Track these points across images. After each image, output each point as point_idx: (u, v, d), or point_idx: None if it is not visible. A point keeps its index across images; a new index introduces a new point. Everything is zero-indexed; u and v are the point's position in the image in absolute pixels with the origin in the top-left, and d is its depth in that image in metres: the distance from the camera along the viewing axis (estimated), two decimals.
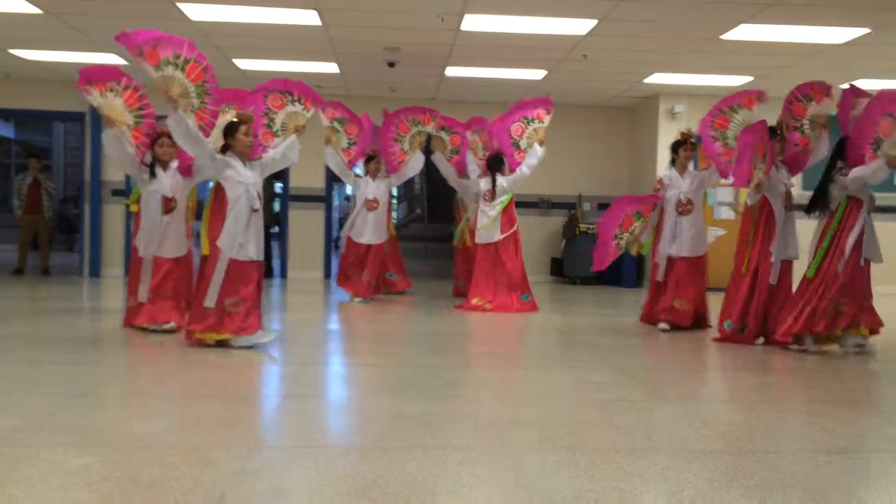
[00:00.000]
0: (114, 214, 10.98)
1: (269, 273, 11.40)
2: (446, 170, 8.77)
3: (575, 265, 11.08)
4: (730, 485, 2.77)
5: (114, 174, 10.93)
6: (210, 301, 5.22)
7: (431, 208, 20.00)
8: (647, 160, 11.05)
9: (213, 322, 5.24)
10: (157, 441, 3.17)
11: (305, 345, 5.68)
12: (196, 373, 4.71)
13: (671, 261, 6.86)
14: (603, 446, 3.22)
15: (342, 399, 4.25)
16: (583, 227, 11.05)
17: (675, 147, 7.08)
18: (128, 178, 10.99)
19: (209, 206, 5.53)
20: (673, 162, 7.12)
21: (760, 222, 6.12)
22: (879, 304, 5.93)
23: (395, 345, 5.72)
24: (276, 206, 11.91)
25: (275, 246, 12.33)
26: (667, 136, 10.73)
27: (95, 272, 10.87)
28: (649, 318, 7.01)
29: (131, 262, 6.26)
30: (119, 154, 5.88)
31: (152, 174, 5.94)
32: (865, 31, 7.19)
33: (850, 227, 5.76)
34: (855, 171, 5.71)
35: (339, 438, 3.40)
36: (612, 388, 4.45)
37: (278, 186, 12.01)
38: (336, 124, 8.25)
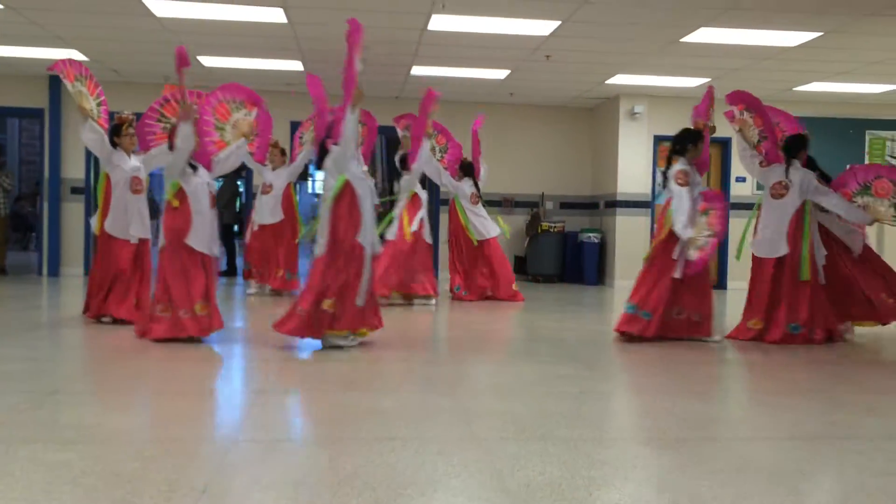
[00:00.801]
0: (73, 212, 10.83)
1: (232, 272, 11.35)
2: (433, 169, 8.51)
3: (538, 263, 11.24)
4: (695, 470, 2.89)
5: (73, 171, 10.79)
6: (361, 300, 5.25)
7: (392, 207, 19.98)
8: (608, 159, 11.25)
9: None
10: (136, 436, 3.19)
11: (279, 341, 5.70)
12: (169, 369, 4.72)
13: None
14: (572, 436, 3.33)
15: (318, 394, 4.30)
16: (545, 225, 11.21)
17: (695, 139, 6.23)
18: (90, 172, 10.86)
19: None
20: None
21: None
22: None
23: (366, 342, 5.77)
24: (238, 206, 11.86)
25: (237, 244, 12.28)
26: (627, 135, 10.97)
27: (54, 271, 10.71)
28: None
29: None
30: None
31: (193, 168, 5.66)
32: (817, 34, 7.44)
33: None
34: (836, 202, 6.16)
35: (317, 432, 3.45)
36: (580, 381, 4.58)
37: (241, 185, 11.96)
38: (79, 85, 6.69)
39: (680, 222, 5.84)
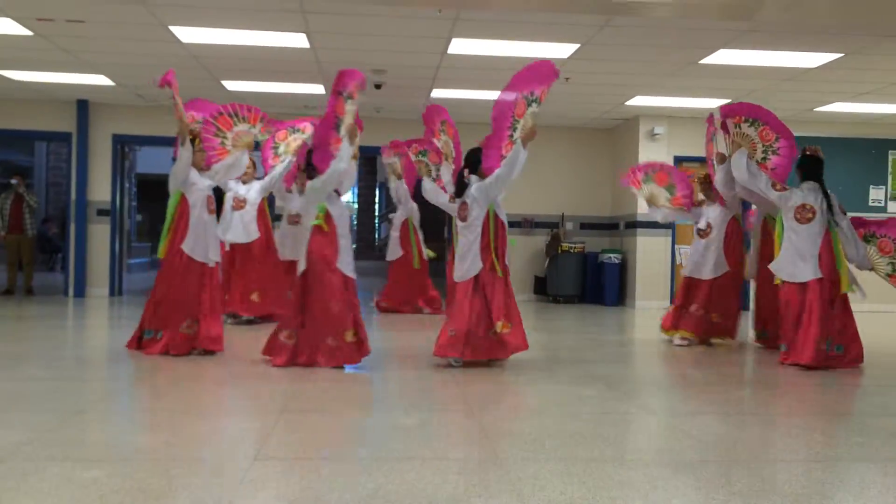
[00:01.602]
0: (99, 234, 11.00)
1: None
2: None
3: (558, 284, 11.24)
4: (715, 492, 2.89)
5: (99, 194, 10.97)
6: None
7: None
8: None
9: None
10: (161, 454, 3.25)
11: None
12: (192, 389, 4.79)
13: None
14: (593, 456, 3.34)
15: (339, 413, 4.34)
16: (565, 245, 11.22)
17: None
18: (116, 194, 11.03)
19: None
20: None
21: None
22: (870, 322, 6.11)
23: (385, 360, 5.81)
24: None
25: None
26: (647, 156, 10.98)
27: (80, 292, 10.86)
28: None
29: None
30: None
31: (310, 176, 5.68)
32: (838, 55, 7.44)
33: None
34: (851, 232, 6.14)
35: (338, 450, 3.48)
36: (600, 402, 4.59)
37: None
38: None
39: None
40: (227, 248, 7.65)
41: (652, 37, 7.03)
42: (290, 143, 6.98)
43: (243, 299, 7.83)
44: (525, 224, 11.65)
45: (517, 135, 5.53)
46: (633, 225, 11.12)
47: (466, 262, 5.55)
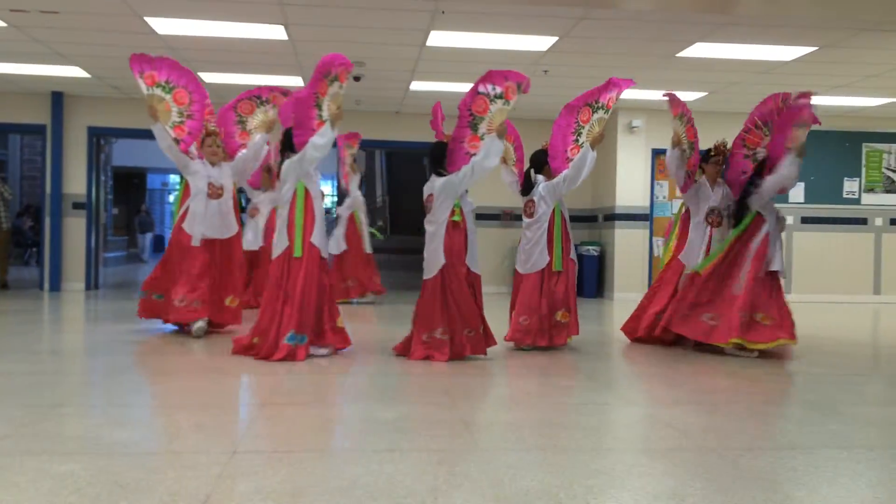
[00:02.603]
0: (74, 227, 10.89)
1: None
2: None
3: None
4: (692, 481, 2.93)
5: (74, 187, 10.86)
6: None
7: (394, 221, 20.14)
8: (607, 173, 11.32)
9: None
10: (138, 448, 3.23)
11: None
12: (171, 383, 4.77)
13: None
14: (571, 446, 3.37)
15: (319, 406, 4.34)
16: None
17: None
18: (92, 187, 10.93)
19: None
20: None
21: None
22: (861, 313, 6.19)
23: (366, 354, 5.81)
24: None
25: None
26: (625, 149, 11.05)
27: (56, 286, 10.75)
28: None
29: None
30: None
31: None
32: (812, 49, 7.52)
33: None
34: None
35: (317, 443, 3.49)
36: (579, 393, 4.62)
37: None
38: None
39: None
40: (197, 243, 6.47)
41: (629, 30, 7.06)
42: (258, 116, 6.94)
43: (219, 305, 6.66)
44: (505, 217, 11.68)
45: (583, 139, 5.95)
46: (612, 217, 11.19)
47: (534, 256, 6.07)
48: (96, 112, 10.81)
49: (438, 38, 7.36)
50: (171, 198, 23.83)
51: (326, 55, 5.58)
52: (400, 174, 20.25)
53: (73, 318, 8.24)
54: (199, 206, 6.44)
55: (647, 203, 11.18)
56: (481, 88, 5.50)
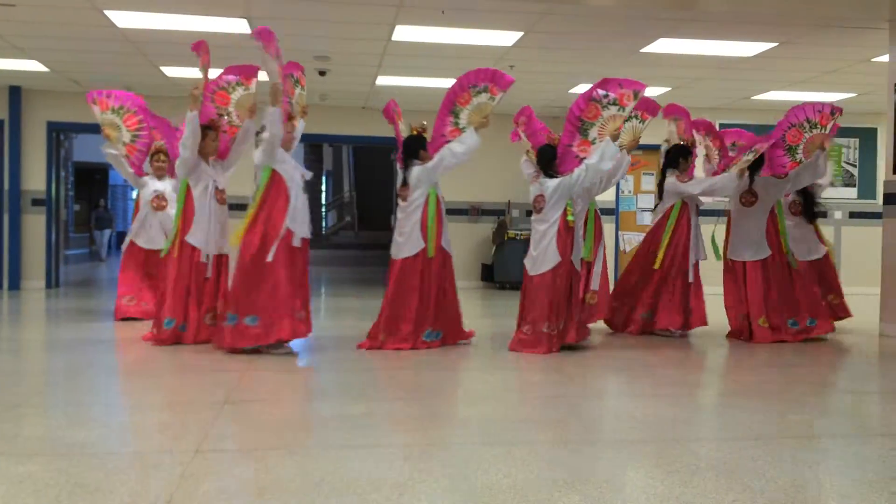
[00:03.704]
0: (34, 224, 10.68)
1: None
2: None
3: (505, 270, 11.31)
4: (654, 471, 2.97)
5: (34, 183, 10.64)
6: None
7: (361, 216, 20.07)
8: None
9: None
10: (99, 448, 3.18)
11: (241, 353, 5.69)
12: (131, 382, 4.71)
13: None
14: (537, 440, 3.39)
15: (284, 403, 4.31)
16: (511, 233, 11.30)
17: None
18: (52, 184, 10.72)
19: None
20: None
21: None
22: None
23: (333, 351, 5.79)
24: None
25: None
26: None
27: (15, 285, 10.53)
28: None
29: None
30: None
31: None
32: (773, 45, 7.63)
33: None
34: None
35: (283, 440, 3.47)
36: (547, 387, 4.65)
37: None
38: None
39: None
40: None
41: (594, 25, 7.10)
42: (241, 102, 6.40)
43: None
44: (472, 212, 11.70)
45: (593, 135, 5.86)
46: None
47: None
48: (55, 107, 10.59)
49: (404, 33, 7.34)
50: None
51: (477, 69, 5.91)
52: (367, 170, 20.19)
53: (33, 317, 8.09)
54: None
55: (613, 198, 11.27)
56: (594, 95, 5.72)
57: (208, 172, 5.97)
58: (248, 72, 6.26)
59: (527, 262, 5.88)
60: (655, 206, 6.97)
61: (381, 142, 11.95)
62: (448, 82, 9.47)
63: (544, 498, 2.64)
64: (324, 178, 24.28)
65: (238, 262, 5.47)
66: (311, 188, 24.97)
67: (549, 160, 5.82)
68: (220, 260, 6.03)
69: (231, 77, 6.34)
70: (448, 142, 5.90)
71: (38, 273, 10.69)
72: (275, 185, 5.52)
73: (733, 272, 6.59)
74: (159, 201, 7.31)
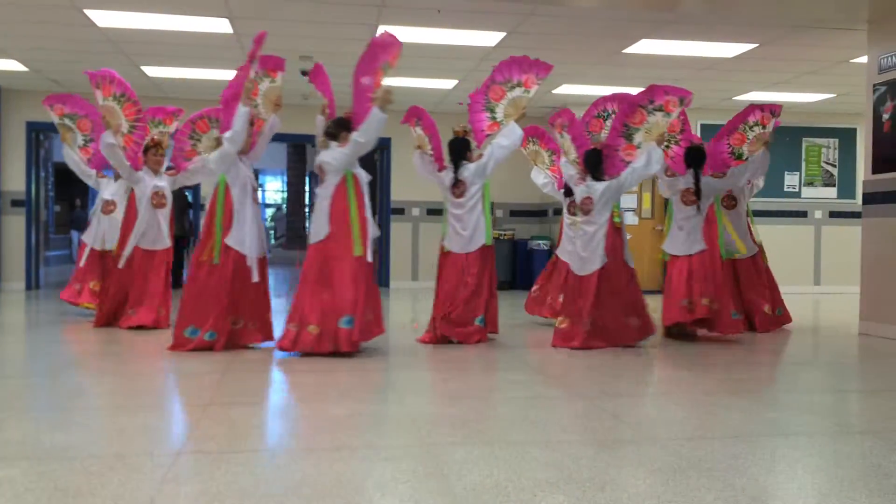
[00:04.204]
0: (14, 225, 10.58)
1: (178, 283, 11.19)
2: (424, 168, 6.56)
3: None
4: (636, 470, 2.98)
5: (13, 184, 10.54)
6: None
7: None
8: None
9: None
10: (79, 451, 3.16)
11: (225, 353, 5.66)
12: (113, 384, 4.67)
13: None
14: (519, 440, 3.40)
15: (265, 405, 4.29)
16: (496, 233, 11.31)
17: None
18: (31, 185, 10.61)
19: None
20: None
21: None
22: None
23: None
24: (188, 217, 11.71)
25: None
26: None
27: None
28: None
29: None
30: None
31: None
32: (753, 46, 7.70)
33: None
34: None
35: (265, 442, 3.46)
36: (529, 387, 4.66)
37: (190, 196, 11.82)
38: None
39: None
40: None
41: (576, 26, 7.14)
42: (268, 93, 6.30)
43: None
44: None
45: (638, 139, 6.06)
46: (561, 212, 11.27)
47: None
48: (35, 107, 10.42)
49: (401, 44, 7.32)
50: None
51: (508, 61, 6.12)
52: None
53: (13, 319, 8.01)
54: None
55: None
56: (641, 102, 5.97)
57: (244, 170, 5.76)
58: (274, 63, 6.11)
59: (572, 261, 6.17)
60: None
61: None
62: (432, 82, 9.52)
63: (527, 498, 2.65)
64: (307, 179, 24.22)
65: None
66: (295, 189, 24.86)
67: (596, 163, 6.03)
68: (262, 263, 5.85)
69: (260, 67, 6.19)
70: (488, 136, 6.26)
71: (18, 274, 10.60)
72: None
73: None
74: (160, 199, 6.97)
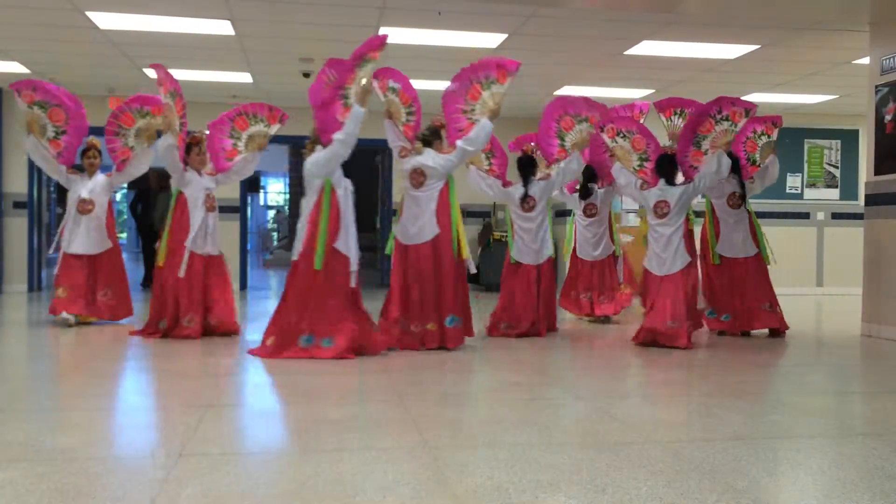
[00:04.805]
0: (16, 227, 10.59)
1: None
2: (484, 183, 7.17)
3: (491, 272, 11.32)
4: (637, 472, 2.98)
5: (15, 186, 10.55)
6: None
7: None
8: None
9: None
10: (80, 453, 3.15)
11: (225, 356, 5.67)
12: (114, 386, 4.67)
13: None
14: (520, 441, 3.39)
15: (266, 407, 4.29)
16: (497, 234, 11.32)
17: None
18: (33, 186, 10.63)
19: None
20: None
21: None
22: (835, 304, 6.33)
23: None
24: None
25: None
26: None
27: None
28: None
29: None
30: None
31: None
32: (755, 47, 7.69)
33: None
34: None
35: (265, 444, 3.45)
36: (529, 388, 4.66)
37: None
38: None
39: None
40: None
41: (577, 28, 7.14)
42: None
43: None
44: None
45: (706, 146, 6.38)
46: (563, 214, 11.28)
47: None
48: None
49: (388, 35, 7.32)
50: (118, 196, 23.30)
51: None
52: (352, 172, 20.11)
53: (15, 321, 8.01)
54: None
55: None
56: (712, 112, 6.32)
57: (339, 172, 5.71)
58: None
59: (650, 263, 6.33)
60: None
61: (365, 144, 11.92)
62: (432, 83, 9.52)
63: (528, 500, 2.64)
64: None
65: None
66: (296, 192, 24.86)
67: (671, 169, 6.37)
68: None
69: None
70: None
71: (20, 276, 10.61)
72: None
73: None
74: (211, 201, 6.55)
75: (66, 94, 6.88)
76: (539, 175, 7.02)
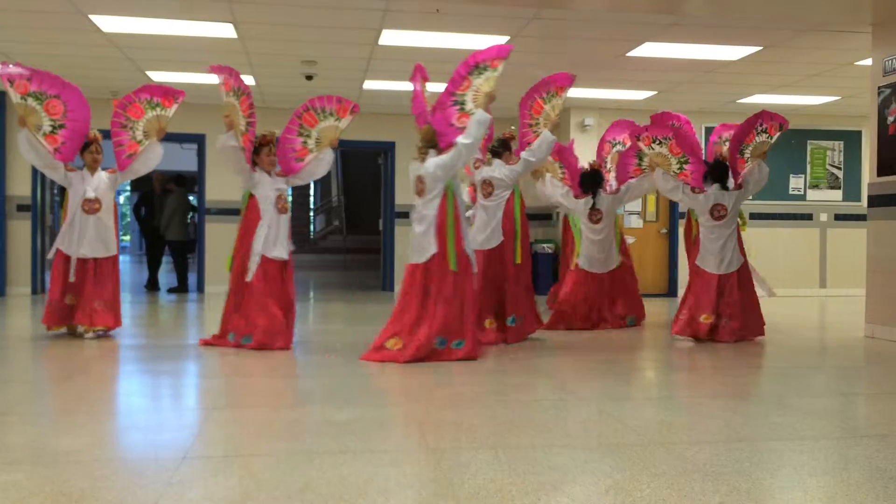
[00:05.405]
0: (20, 230, 10.62)
1: (184, 287, 11.24)
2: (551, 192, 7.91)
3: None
4: (640, 474, 2.98)
5: (19, 188, 10.58)
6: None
7: (349, 220, 20.01)
8: None
9: None
10: (84, 456, 3.16)
11: (229, 357, 5.67)
12: (118, 389, 4.68)
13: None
14: (523, 443, 3.39)
15: (270, 409, 4.29)
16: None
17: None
18: (37, 189, 10.65)
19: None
20: None
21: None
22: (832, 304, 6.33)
23: (320, 356, 5.78)
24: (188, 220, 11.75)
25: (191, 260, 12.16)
26: (578, 147, 11.14)
27: (0, 291, 10.47)
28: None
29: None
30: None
31: None
32: (757, 49, 7.69)
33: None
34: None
35: (269, 447, 3.46)
36: (532, 390, 4.66)
37: (194, 200, 11.87)
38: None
39: None
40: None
41: (579, 30, 7.14)
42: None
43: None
44: None
45: (747, 154, 6.82)
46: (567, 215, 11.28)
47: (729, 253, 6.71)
48: None
49: (390, 38, 7.35)
50: (122, 199, 23.32)
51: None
52: (355, 174, 20.15)
53: (19, 324, 8.04)
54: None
55: None
56: (756, 124, 6.76)
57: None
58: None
59: (705, 262, 6.62)
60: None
61: (370, 146, 11.98)
62: (436, 86, 9.51)
63: (531, 501, 2.65)
64: (311, 183, 24.25)
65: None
66: (300, 193, 25.02)
67: (724, 175, 6.74)
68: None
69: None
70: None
71: (24, 279, 10.63)
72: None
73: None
74: (283, 202, 6.24)
75: (68, 84, 6.30)
76: (604, 184, 7.54)
